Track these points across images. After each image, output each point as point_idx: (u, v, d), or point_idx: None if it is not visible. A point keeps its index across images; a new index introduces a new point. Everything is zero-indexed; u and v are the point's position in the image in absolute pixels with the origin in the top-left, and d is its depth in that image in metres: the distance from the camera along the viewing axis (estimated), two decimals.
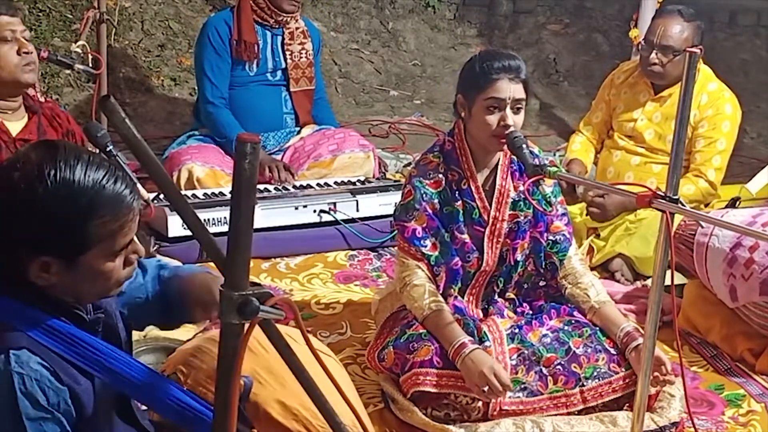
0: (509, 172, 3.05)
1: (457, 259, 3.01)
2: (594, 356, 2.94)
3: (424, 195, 3.00)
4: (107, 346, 1.81)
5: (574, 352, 2.93)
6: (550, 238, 3.08)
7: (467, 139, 3.02)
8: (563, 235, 3.10)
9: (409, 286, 2.97)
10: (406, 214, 3.02)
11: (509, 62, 2.92)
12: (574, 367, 2.92)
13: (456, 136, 3.05)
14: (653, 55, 4.06)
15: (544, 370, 2.91)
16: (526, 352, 2.92)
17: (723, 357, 3.43)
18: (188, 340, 2.88)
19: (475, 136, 2.99)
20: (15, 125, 2.99)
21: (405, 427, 2.91)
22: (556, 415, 2.89)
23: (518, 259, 3.06)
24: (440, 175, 3.03)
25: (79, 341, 1.76)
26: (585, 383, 2.91)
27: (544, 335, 2.97)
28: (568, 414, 2.90)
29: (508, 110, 2.89)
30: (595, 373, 2.91)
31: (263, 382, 2.28)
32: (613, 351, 2.95)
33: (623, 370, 2.92)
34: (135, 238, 1.85)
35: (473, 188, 3.02)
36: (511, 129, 2.88)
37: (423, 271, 2.99)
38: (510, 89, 2.89)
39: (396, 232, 3.12)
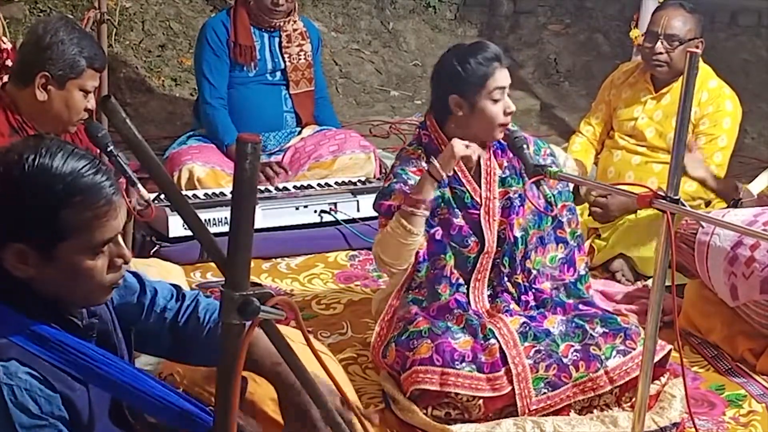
0: (491, 151, 3.06)
1: (437, 228, 3.01)
2: (612, 336, 2.95)
3: (407, 180, 3.00)
4: (99, 352, 1.78)
5: (591, 334, 2.95)
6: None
7: (445, 131, 3.02)
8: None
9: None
10: (383, 196, 3.03)
11: (494, 51, 2.96)
12: (593, 349, 2.92)
13: (430, 128, 3.06)
14: (659, 44, 4.04)
15: (564, 360, 2.91)
16: (541, 347, 2.92)
17: (724, 357, 3.43)
18: None
19: (477, 130, 2.98)
20: None
21: (406, 427, 2.91)
22: (583, 399, 2.91)
23: (516, 235, 3.04)
24: (423, 164, 3.03)
25: (67, 348, 1.74)
26: (607, 364, 2.91)
27: (561, 320, 2.99)
28: (594, 396, 2.91)
29: (506, 96, 2.94)
30: (615, 352, 2.92)
31: (258, 381, 2.28)
32: (628, 328, 2.98)
33: (638, 345, 2.92)
34: (120, 241, 1.80)
35: (459, 173, 3.02)
36: (515, 129, 2.95)
37: None
38: (506, 75, 2.96)
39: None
